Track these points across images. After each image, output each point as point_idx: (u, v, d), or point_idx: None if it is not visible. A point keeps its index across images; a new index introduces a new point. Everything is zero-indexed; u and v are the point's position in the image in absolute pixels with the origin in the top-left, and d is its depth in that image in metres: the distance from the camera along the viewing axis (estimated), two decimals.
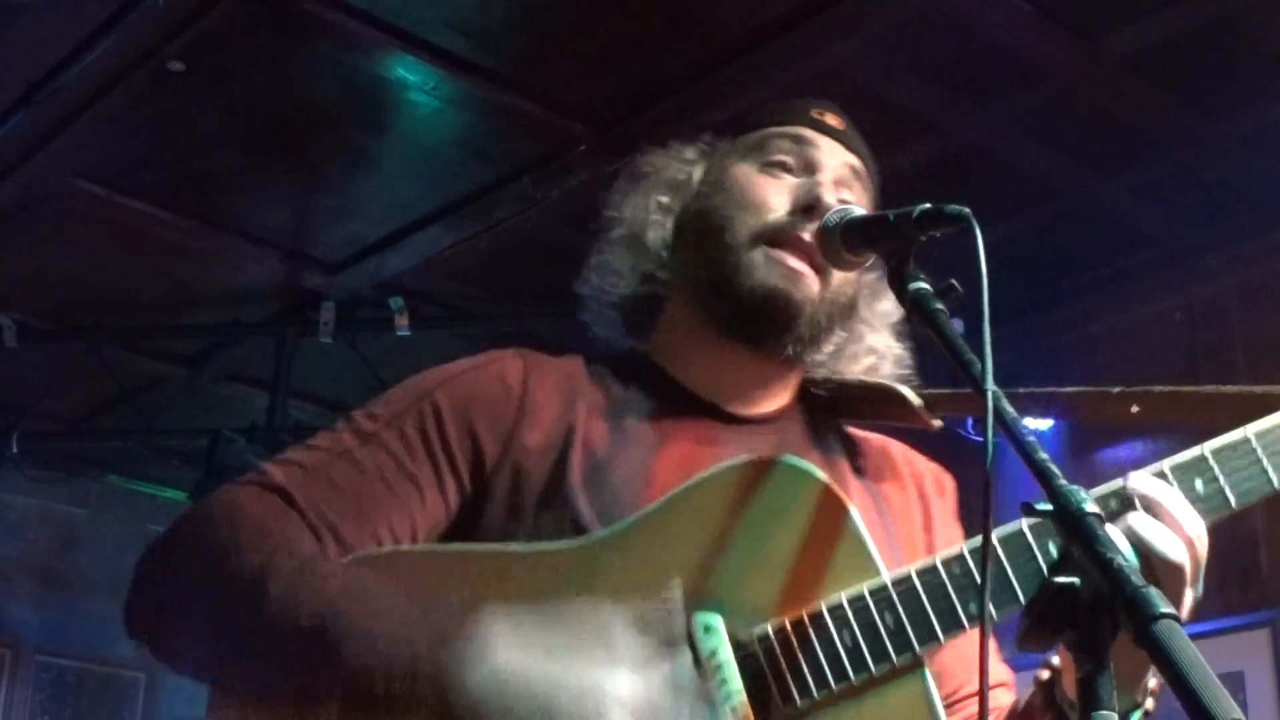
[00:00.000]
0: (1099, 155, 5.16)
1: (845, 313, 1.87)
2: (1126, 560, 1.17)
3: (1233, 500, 1.64)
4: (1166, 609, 1.12)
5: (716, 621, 1.57)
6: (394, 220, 5.73)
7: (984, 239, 1.44)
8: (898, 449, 1.94)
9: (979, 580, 1.57)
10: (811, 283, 1.79)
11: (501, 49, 4.70)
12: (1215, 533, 1.65)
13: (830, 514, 1.61)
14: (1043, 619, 1.22)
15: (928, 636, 1.57)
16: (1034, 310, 5.77)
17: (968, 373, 1.42)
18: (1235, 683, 5.14)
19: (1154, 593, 1.13)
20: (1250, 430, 1.67)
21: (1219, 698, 1.06)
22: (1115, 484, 1.61)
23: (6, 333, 6.34)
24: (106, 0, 4.45)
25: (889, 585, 1.58)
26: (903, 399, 1.87)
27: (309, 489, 1.65)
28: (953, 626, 1.58)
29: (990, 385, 1.34)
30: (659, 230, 1.91)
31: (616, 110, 4.96)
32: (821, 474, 1.64)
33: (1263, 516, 4.85)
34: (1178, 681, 1.08)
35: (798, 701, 1.55)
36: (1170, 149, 5.07)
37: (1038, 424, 5.59)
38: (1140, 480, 1.60)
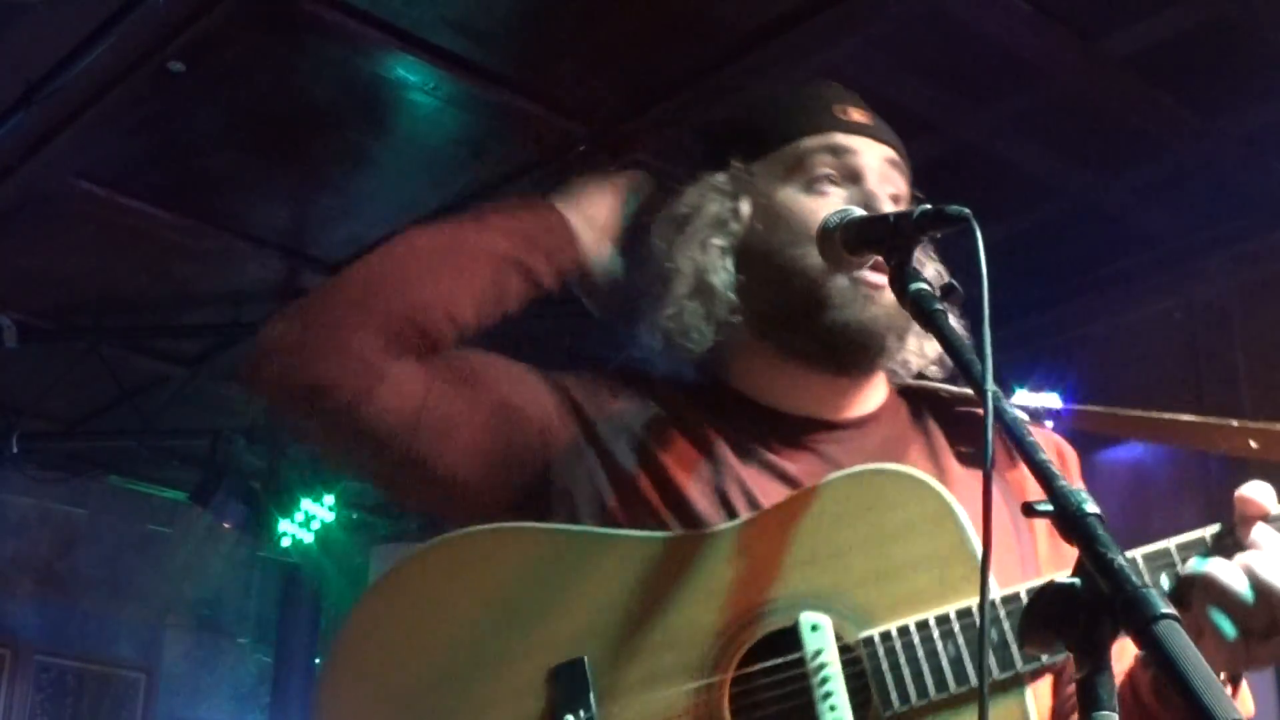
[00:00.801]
0: (1099, 155, 5.16)
1: (953, 293, 1.81)
2: (1127, 560, 1.17)
3: None
4: (1167, 609, 1.12)
5: (824, 621, 1.58)
6: (394, 220, 5.71)
7: (984, 239, 1.44)
8: (1050, 441, 1.88)
9: (981, 582, 1.56)
10: (887, 293, 1.72)
11: (501, 49, 4.70)
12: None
13: (944, 524, 1.62)
14: (1043, 619, 1.22)
15: (1031, 656, 1.57)
16: (1034, 310, 5.77)
17: (968, 373, 1.41)
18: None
19: (1155, 593, 1.13)
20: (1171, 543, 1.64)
21: (1220, 699, 1.06)
22: (1214, 527, 1.60)
23: (6, 333, 6.34)
24: (106, 0, 4.45)
25: (997, 603, 1.58)
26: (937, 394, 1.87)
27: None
28: (1009, 664, 1.57)
29: (990, 385, 1.34)
30: (723, 274, 1.83)
31: (616, 110, 4.96)
32: (937, 485, 1.64)
33: None
34: (1179, 682, 1.07)
35: (896, 706, 1.55)
36: (1170, 149, 5.07)
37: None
38: (1259, 531, 1.57)
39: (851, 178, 1.82)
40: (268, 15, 4.52)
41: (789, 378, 1.83)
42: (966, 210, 1.49)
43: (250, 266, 6.06)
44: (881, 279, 1.73)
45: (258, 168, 5.40)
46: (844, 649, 1.57)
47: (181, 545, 7.94)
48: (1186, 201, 5.37)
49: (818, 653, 1.56)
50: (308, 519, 6.67)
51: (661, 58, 4.71)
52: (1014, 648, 1.56)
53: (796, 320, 1.78)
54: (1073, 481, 1.83)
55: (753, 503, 1.70)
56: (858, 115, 1.90)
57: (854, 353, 1.78)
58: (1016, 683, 1.56)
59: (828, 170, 1.83)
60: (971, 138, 5.05)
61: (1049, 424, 1.88)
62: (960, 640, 1.56)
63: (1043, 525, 1.73)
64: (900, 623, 1.57)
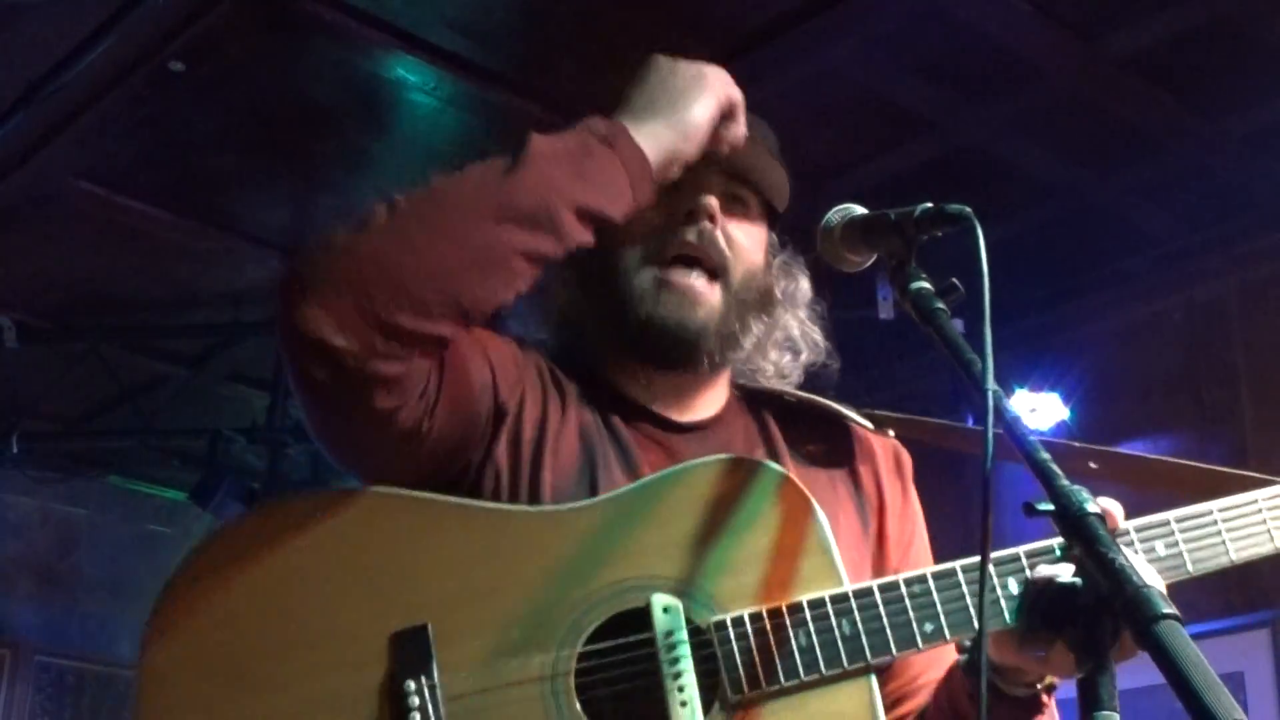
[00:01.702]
0: (1099, 155, 5.16)
1: (760, 305, 1.88)
2: (1128, 560, 1.17)
3: (1190, 567, 1.70)
4: (1168, 609, 1.12)
5: (676, 604, 1.60)
6: None
7: (984, 239, 1.44)
8: (842, 434, 1.94)
9: (981, 572, 1.57)
10: (707, 295, 1.81)
11: (501, 49, 4.69)
12: None
13: (799, 516, 1.66)
14: (1044, 619, 1.22)
15: (882, 649, 1.62)
16: (1034, 310, 5.77)
17: (968, 372, 1.42)
18: (1235, 683, 5.14)
19: (1155, 593, 1.13)
20: (1215, 506, 1.73)
21: (1221, 698, 1.06)
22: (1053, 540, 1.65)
23: (6, 333, 6.33)
24: (106, 0, 4.45)
25: (850, 596, 1.62)
26: (836, 413, 1.91)
27: None
28: (907, 644, 1.63)
29: (991, 385, 1.34)
30: (560, 281, 1.89)
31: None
32: (797, 480, 1.68)
33: None
34: (1180, 682, 1.07)
35: (745, 690, 1.58)
36: (1170, 149, 5.07)
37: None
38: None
39: (692, 181, 1.83)
40: (268, 15, 4.51)
41: (632, 372, 1.87)
42: (967, 209, 1.50)
43: (250, 266, 6.05)
44: (691, 278, 1.79)
45: (258, 168, 5.40)
46: (694, 632, 1.60)
47: (181, 545, 7.92)
48: (1186, 201, 5.37)
49: (669, 633, 1.58)
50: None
51: None
52: (864, 639, 1.60)
53: (614, 317, 1.84)
54: (907, 491, 1.87)
55: (607, 484, 1.72)
56: None
57: (663, 350, 1.81)
58: (864, 672, 1.61)
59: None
60: (971, 138, 5.05)
61: (890, 432, 1.92)
62: (811, 629, 1.60)
63: (895, 522, 1.86)
64: (754, 609, 1.61)
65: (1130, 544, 1.67)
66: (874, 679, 1.61)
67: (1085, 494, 1.23)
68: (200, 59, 4.69)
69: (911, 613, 1.62)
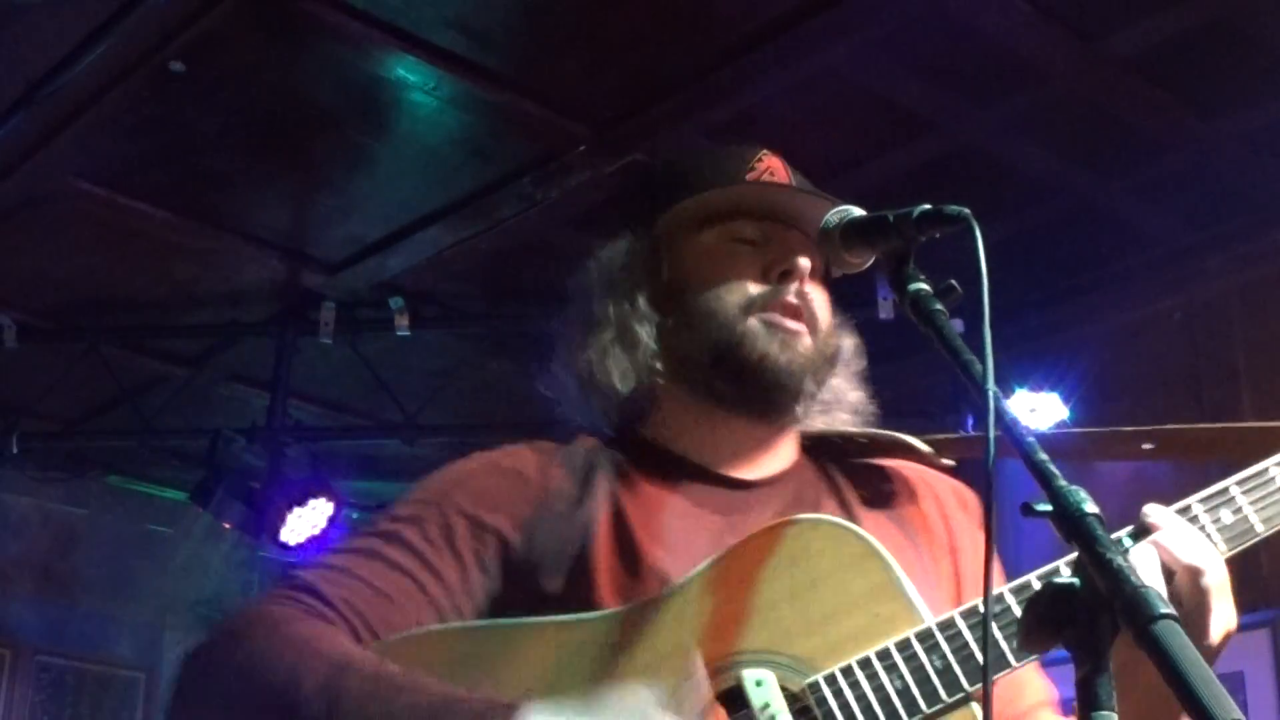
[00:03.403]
0: (1099, 155, 5.16)
1: (831, 363, 1.92)
2: (1126, 560, 1.17)
3: (1259, 527, 1.72)
4: (1166, 609, 1.12)
5: (767, 676, 1.60)
6: (394, 220, 5.73)
7: (984, 239, 1.44)
8: (913, 471, 1.96)
9: (985, 581, 1.57)
10: (805, 339, 1.86)
11: (501, 49, 4.69)
12: None
13: (869, 564, 1.66)
14: (1042, 619, 1.22)
15: (976, 675, 1.60)
16: (1034, 310, 5.77)
17: (967, 373, 1.42)
18: (1235, 683, 5.14)
19: (1154, 593, 1.13)
20: (1272, 461, 1.76)
21: (1219, 698, 1.06)
22: (1131, 526, 1.67)
23: (6, 333, 6.33)
24: (106, 0, 4.45)
25: (934, 630, 1.62)
26: (910, 446, 1.92)
27: (338, 586, 1.70)
28: (1000, 664, 1.62)
29: (991, 385, 1.34)
30: (646, 324, 1.91)
31: (616, 110, 4.96)
32: (855, 527, 1.69)
33: None
34: (1178, 682, 1.08)
35: None
36: (1170, 149, 5.07)
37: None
38: (1155, 511, 1.67)
39: (763, 234, 1.90)
40: (268, 15, 4.51)
41: (708, 425, 1.88)
42: (966, 210, 1.50)
43: (250, 266, 6.05)
44: (798, 325, 1.85)
45: (258, 168, 5.40)
46: (791, 699, 1.59)
47: (181, 545, 7.93)
48: (1186, 201, 5.37)
49: (765, 706, 1.58)
50: (308, 519, 6.66)
51: (661, 58, 4.70)
52: (957, 669, 1.60)
53: (716, 362, 1.85)
54: (974, 530, 1.88)
55: (670, 568, 1.71)
56: (767, 164, 1.96)
57: (766, 391, 1.84)
58: (965, 702, 1.61)
59: (742, 223, 1.91)
60: (971, 138, 5.04)
61: (951, 462, 1.93)
62: (904, 670, 1.60)
63: (970, 561, 1.84)
64: (843, 663, 1.60)
65: (1195, 519, 1.69)
66: (977, 708, 1.61)
67: (1083, 494, 1.23)
68: (200, 59, 4.69)
69: (998, 632, 1.62)
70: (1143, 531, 1.65)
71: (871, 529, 1.74)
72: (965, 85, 4.80)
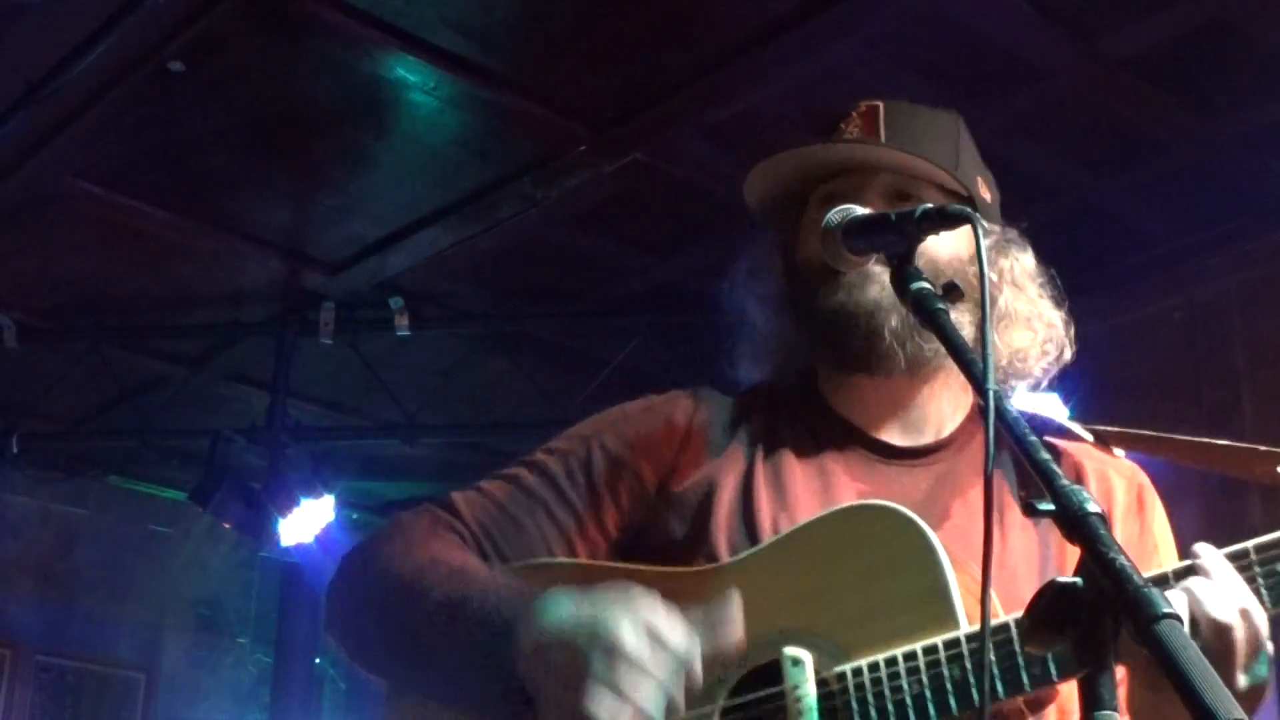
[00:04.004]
0: (1099, 155, 5.16)
1: (952, 292, 1.78)
2: (1129, 560, 1.17)
3: None
4: (1168, 609, 1.12)
5: (805, 657, 1.63)
6: (394, 220, 5.73)
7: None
8: (1093, 463, 1.88)
9: (983, 592, 1.56)
10: (879, 274, 1.79)
11: (501, 49, 4.69)
12: (1215, 531, 1.64)
13: (925, 565, 1.65)
14: (1044, 619, 1.22)
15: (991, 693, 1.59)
16: None
17: (969, 372, 1.42)
18: None
19: (1156, 593, 1.13)
20: None
21: (1222, 698, 1.06)
22: (1184, 562, 1.61)
23: (6, 333, 6.34)
24: (106, 0, 4.45)
25: (961, 640, 1.61)
26: (1076, 437, 1.89)
27: (476, 507, 1.89)
28: (1014, 688, 1.59)
29: (991, 384, 1.34)
30: (762, 317, 1.98)
31: (616, 110, 4.96)
32: (922, 524, 1.67)
33: (1261, 516, 4.85)
34: (1180, 681, 1.07)
35: None
36: (1170, 149, 5.07)
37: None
38: (1204, 551, 1.60)
39: (853, 187, 1.91)
40: (268, 15, 4.51)
41: (848, 387, 1.91)
42: (968, 210, 1.50)
43: (250, 266, 6.05)
44: (857, 268, 1.79)
45: (258, 168, 5.40)
46: (821, 683, 1.62)
47: (181, 545, 7.94)
48: (1186, 201, 5.37)
49: (796, 685, 1.62)
50: (308, 519, 6.66)
51: (661, 58, 4.70)
52: (974, 687, 1.59)
53: (813, 329, 1.88)
54: (1144, 527, 1.82)
55: (791, 521, 1.78)
56: (856, 125, 2.05)
57: (854, 340, 1.83)
58: (979, 715, 1.59)
59: (833, 187, 1.92)
60: (971, 138, 5.04)
61: (1119, 453, 1.88)
62: (924, 677, 1.60)
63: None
64: (871, 659, 1.62)
65: (1249, 566, 1.59)
66: None
67: (1085, 493, 1.23)
68: (200, 59, 4.69)
69: (1019, 655, 1.59)
70: (1189, 572, 1.58)
71: (1010, 525, 1.74)
72: (965, 85, 4.80)
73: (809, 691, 1.61)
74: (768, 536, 1.76)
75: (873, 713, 1.60)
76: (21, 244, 5.87)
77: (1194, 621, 1.53)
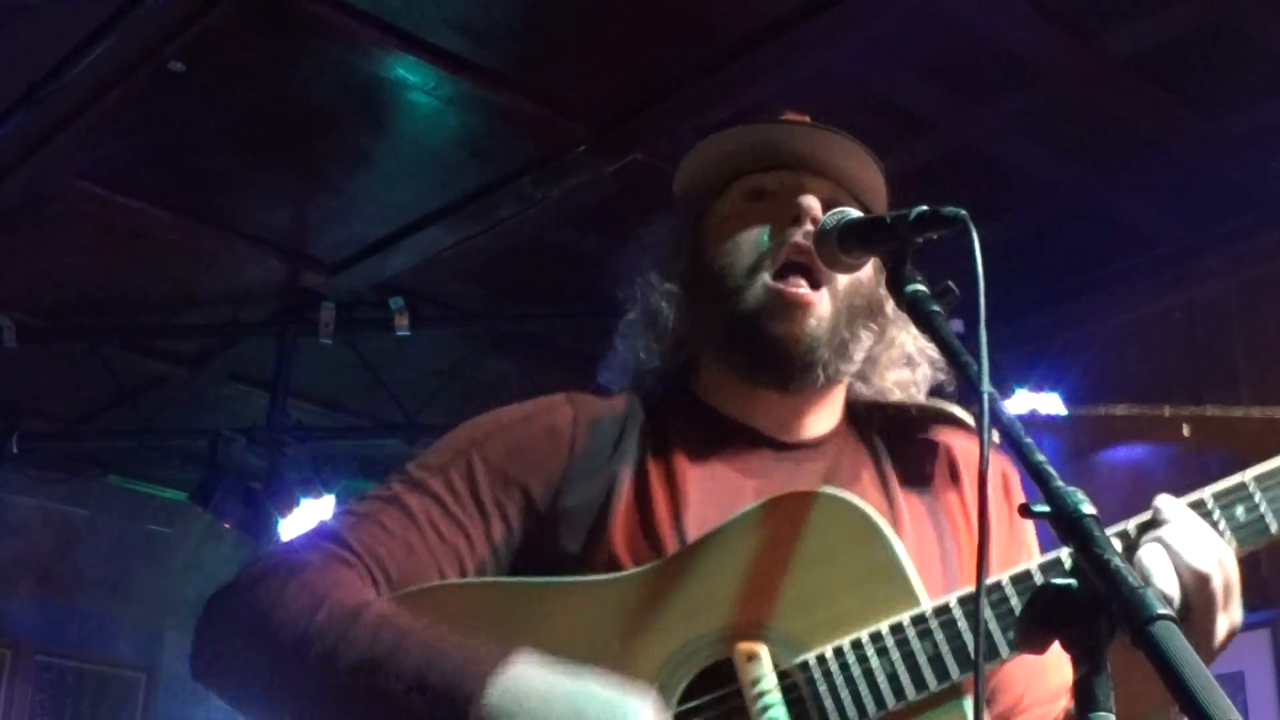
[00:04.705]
0: (1099, 155, 5.16)
1: (868, 312, 1.84)
2: (1124, 562, 1.17)
3: (1273, 526, 1.65)
4: (1164, 610, 1.12)
5: (761, 650, 1.58)
6: (394, 220, 5.73)
7: (983, 239, 1.44)
8: (963, 450, 1.88)
9: (978, 580, 1.56)
10: (816, 304, 1.78)
11: (501, 49, 4.69)
12: None
13: (871, 543, 1.63)
14: (1039, 620, 1.22)
15: (966, 665, 1.57)
16: (1034, 310, 5.77)
17: (964, 374, 1.42)
18: (1235, 683, 5.14)
19: (1151, 594, 1.13)
20: None
21: (1217, 700, 1.06)
22: (1144, 514, 1.62)
23: (6, 333, 6.33)
24: (106, 0, 4.45)
25: (928, 615, 1.59)
26: (957, 419, 1.88)
27: (363, 534, 1.73)
28: (992, 655, 1.59)
29: (987, 387, 1.34)
30: (669, 302, 1.91)
31: (616, 110, 4.96)
32: (861, 503, 1.65)
33: None
34: (1176, 683, 1.07)
35: None
36: (1170, 149, 5.07)
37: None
38: (1166, 503, 1.61)
39: (778, 183, 1.86)
40: (268, 15, 4.52)
41: (740, 393, 1.86)
42: (962, 212, 1.49)
43: (250, 266, 6.06)
44: (798, 288, 1.77)
45: (258, 168, 5.40)
46: (782, 675, 1.58)
47: (181, 545, 7.94)
48: (1186, 201, 5.37)
49: (755, 681, 1.56)
50: (308, 519, 6.66)
51: (661, 58, 4.70)
52: (948, 659, 1.57)
53: (729, 337, 1.82)
54: (1013, 508, 1.82)
55: (694, 522, 1.71)
56: (791, 115, 1.95)
57: (784, 368, 1.79)
58: (954, 693, 1.58)
59: (760, 179, 1.88)
60: (971, 138, 5.04)
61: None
62: (895, 656, 1.57)
63: (1002, 548, 1.78)
64: (835, 644, 1.58)
65: (1210, 514, 1.62)
66: (967, 701, 1.58)
67: (1080, 495, 1.23)
68: (200, 59, 4.70)
69: (995, 622, 1.58)
70: (1152, 524, 1.59)
71: (903, 508, 1.72)
72: (965, 85, 4.80)
73: (770, 685, 1.56)
74: (670, 541, 1.69)
75: (845, 698, 1.56)
76: (21, 244, 5.87)
77: (1176, 573, 1.54)
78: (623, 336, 1.95)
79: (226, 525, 6.65)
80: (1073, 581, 1.20)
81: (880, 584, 1.61)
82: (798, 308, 1.77)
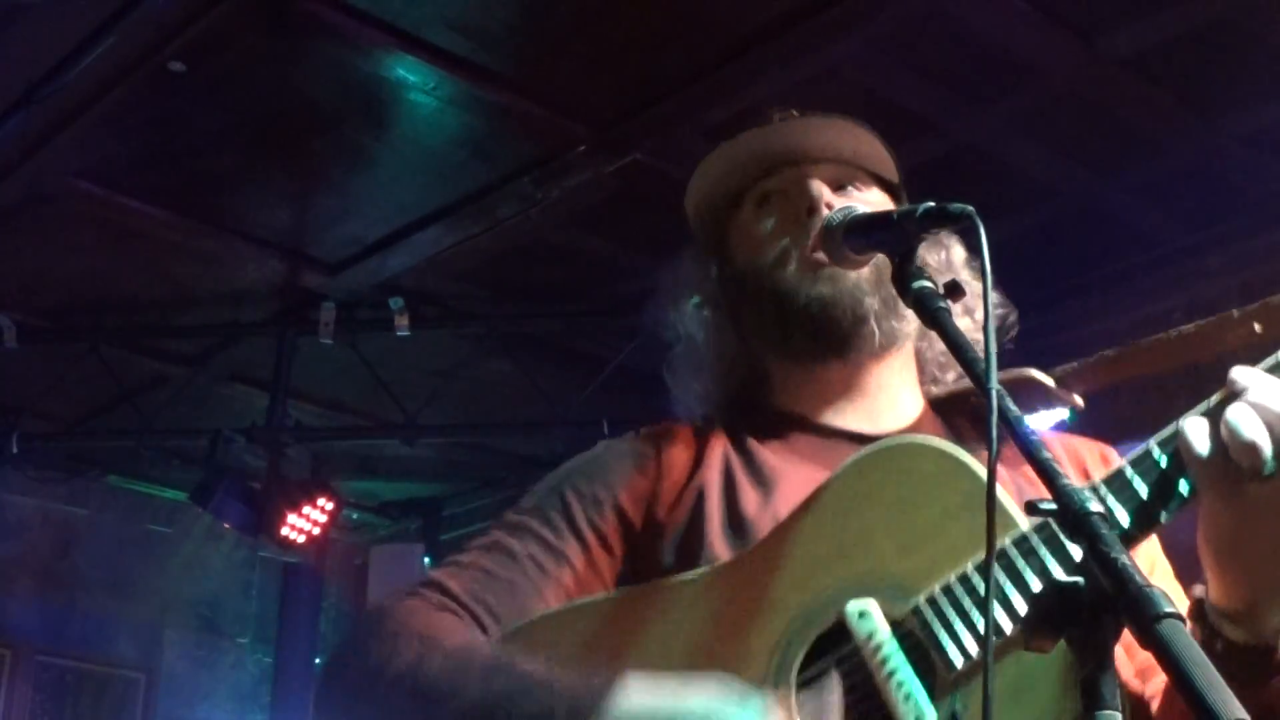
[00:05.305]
0: (1099, 155, 5.16)
1: (956, 290, 1.74)
2: (1131, 559, 1.17)
3: None
4: (1171, 608, 1.12)
5: (870, 605, 1.56)
6: (394, 220, 5.73)
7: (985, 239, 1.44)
8: (1051, 437, 1.87)
9: (986, 588, 1.56)
10: (856, 262, 1.79)
11: (501, 49, 4.70)
12: None
13: (957, 476, 1.61)
14: (1046, 618, 1.22)
15: (1076, 574, 1.52)
16: (1034, 310, 5.74)
17: (971, 371, 1.41)
18: None
19: (1158, 592, 1.13)
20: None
21: (1224, 698, 1.06)
22: (1223, 391, 1.54)
23: (6, 333, 6.34)
24: (106, 0, 4.45)
25: (1028, 535, 1.54)
26: (1036, 383, 1.86)
27: (463, 579, 1.76)
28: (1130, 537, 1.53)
29: (994, 384, 1.34)
30: (706, 327, 1.96)
31: (616, 110, 4.96)
32: (937, 441, 1.64)
33: None
34: (1183, 681, 1.07)
35: (959, 665, 1.52)
36: (1170, 149, 5.07)
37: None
38: (1243, 372, 1.54)
39: (784, 182, 1.90)
40: (268, 15, 4.52)
41: (811, 382, 1.88)
42: (970, 208, 1.49)
43: (250, 266, 6.06)
44: (820, 257, 1.80)
45: (258, 168, 5.40)
46: (895, 625, 1.56)
47: (181, 545, 7.93)
48: (1186, 201, 5.37)
49: (870, 636, 1.55)
50: (308, 519, 6.67)
51: (661, 58, 4.71)
52: (1056, 570, 1.50)
53: (781, 326, 1.85)
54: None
55: (778, 520, 1.72)
56: (792, 115, 1.97)
57: (831, 330, 1.81)
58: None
59: (767, 183, 1.91)
60: (971, 138, 5.05)
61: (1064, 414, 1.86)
62: (1003, 580, 1.52)
63: None
64: (943, 582, 1.56)
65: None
66: None
67: (1086, 493, 1.23)
68: (200, 59, 4.70)
69: (1063, 540, 1.52)
70: (1233, 396, 1.51)
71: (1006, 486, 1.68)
72: (965, 85, 4.80)
73: (884, 636, 1.54)
74: (761, 533, 1.70)
75: (962, 633, 1.53)
76: (21, 244, 5.87)
77: (1268, 428, 1.46)
78: (672, 373, 1.99)
79: (226, 525, 6.66)
80: (1079, 579, 1.20)
81: (977, 512, 1.52)
82: (836, 269, 1.80)
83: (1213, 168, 5.17)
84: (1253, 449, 1.46)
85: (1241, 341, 1.73)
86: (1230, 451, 1.46)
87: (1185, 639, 1.10)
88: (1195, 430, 1.49)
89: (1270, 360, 1.57)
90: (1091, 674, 1.19)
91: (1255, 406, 1.48)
